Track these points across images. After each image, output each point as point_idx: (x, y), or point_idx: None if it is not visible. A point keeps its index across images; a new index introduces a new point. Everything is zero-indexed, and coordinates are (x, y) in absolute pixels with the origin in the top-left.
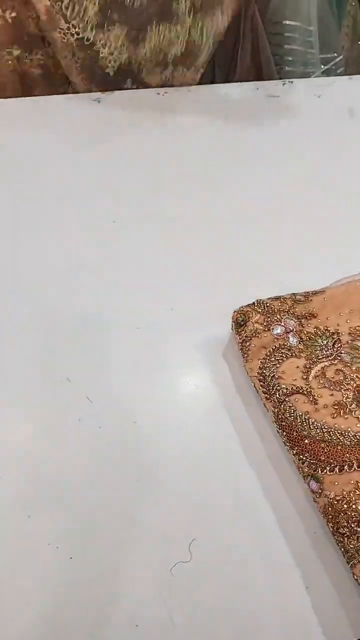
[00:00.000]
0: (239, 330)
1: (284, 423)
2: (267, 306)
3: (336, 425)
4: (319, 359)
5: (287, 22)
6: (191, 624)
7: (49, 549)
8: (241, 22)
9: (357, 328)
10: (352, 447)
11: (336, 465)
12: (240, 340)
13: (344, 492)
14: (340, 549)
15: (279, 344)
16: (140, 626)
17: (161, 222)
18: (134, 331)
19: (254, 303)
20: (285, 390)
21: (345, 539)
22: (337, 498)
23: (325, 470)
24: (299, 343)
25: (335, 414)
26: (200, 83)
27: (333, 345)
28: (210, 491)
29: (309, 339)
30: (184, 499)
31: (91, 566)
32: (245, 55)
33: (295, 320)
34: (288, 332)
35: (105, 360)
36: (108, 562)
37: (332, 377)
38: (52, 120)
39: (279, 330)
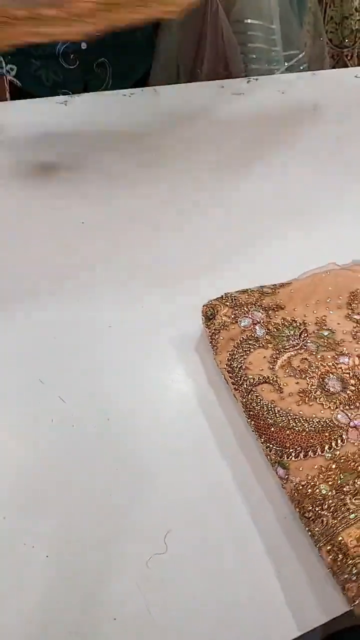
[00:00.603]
0: (208, 323)
1: (251, 412)
2: (234, 299)
3: (301, 412)
4: (286, 349)
5: (249, 20)
6: (169, 615)
7: (25, 549)
8: (204, 20)
9: (323, 318)
10: (317, 433)
11: (301, 451)
12: (210, 334)
13: (309, 477)
14: (308, 533)
15: (247, 335)
16: (118, 619)
17: (128, 222)
18: (106, 330)
19: (222, 297)
20: (252, 381)
21: (311, 522)
22: (302, 483)
23: (290, 457)
24: (266, 334)
25: (300, 402)
26: (168, 83)
27: (300, 335)
28: (184, 483)
29: (276, 329)
30: (158, 492)
31: (67, 563)
32: (212, 53)
33: (263, 312)
34: (255, 324)
35: (78, 360)
36: (84, 558)
37: (298, 366)
38: (19, 123)
39: (246, 322)
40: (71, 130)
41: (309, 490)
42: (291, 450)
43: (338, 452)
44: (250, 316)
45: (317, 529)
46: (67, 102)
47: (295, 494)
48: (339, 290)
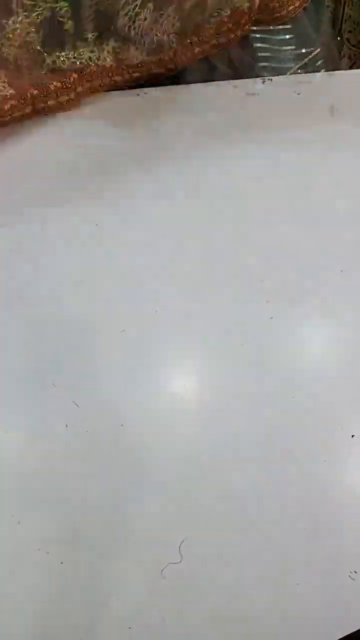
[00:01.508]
0: None
1: None
2: None
3: None
4: None
5: None
6: (183, 624)
7: (39, 555)
8: None
9: None
10: None
11: None
12: None
13: None
14: None
15: None
16: (132, 628)
17: (144, 224)
18: (119, 334)
19: None
20: None
21: None
22: None
23: None
24: None
25: None
26: (176, 83)
27: None
28: (199, 491)
29: None
30: (172, 500)
31: (82, 570)
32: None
33: None
34: None
35: (91, 364)
36: (99, 566)
37: None
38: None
39: None
40: (84, 132)
41: None
42: None
43: None
44: None
45: None
46: None
47: None
48: None
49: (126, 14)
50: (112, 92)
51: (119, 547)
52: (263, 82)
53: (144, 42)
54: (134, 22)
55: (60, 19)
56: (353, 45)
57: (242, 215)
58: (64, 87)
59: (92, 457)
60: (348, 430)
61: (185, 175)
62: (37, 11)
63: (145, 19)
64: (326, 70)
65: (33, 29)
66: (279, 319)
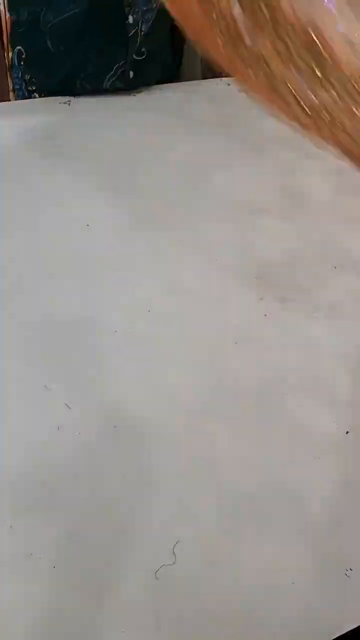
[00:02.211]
0: None
1: None
2: None
3: None
4: None
5: None
6: (178, 627)
7: (32, 559)
8: None
9: None
10: None
11: None
12: None
13: None
14: None
15: None
16: (126, 632)
17: (133, 224)
18: (112, 335)
19: None
20: None
21: None
22: None
23: None
24: None
25: None
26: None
27: None
28: (192, 492)
29: None
30: (166, 501)
31: (74, 574)
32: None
33: None
34: None
35: (84, 366)
36: (91, 569)
37: None
38: (23, 122)
39: None
40: (74, 130)
41: None
42: None
43: None
44: None
45: None
46: (71, 102)
47: None
48: None
49: None
50: (110, 92)
51: (111, 549)
52: None
53: None
54: None
55: None
56: None
57: (239, 210)
58: None
59: (84, 459)
60: (342, 426)
61: (180, 172)
62: None
63: None
64: None
65: None
66: (273, 316)
